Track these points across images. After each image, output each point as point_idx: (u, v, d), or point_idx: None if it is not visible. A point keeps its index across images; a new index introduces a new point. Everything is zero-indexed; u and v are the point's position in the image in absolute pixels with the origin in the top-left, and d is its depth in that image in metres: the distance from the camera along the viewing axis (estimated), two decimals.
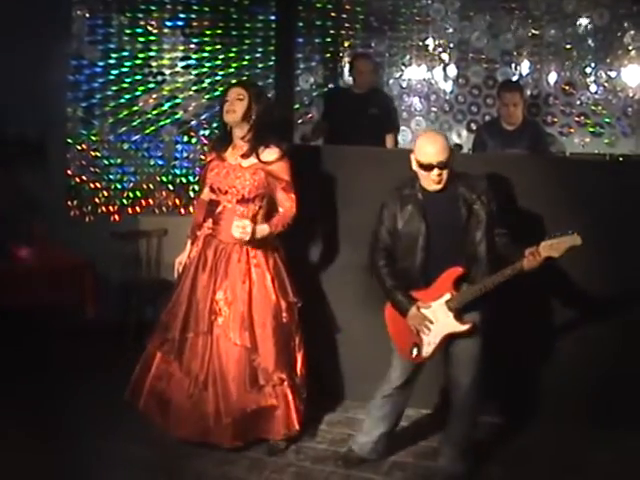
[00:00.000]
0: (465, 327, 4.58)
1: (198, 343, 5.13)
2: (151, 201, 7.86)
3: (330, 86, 8.53)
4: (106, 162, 7.89)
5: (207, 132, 7.86)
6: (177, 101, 7.90)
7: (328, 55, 8.59)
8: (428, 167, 4.46)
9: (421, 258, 4.58)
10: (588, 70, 8.14)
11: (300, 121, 8.20)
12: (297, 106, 7.96)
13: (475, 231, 4.54)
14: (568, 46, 8.15)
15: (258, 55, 7.97)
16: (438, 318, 4.60)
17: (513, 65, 8.21)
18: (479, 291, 4.49)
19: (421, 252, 4.57)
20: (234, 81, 5.89)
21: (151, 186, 7.87)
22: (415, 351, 4.70)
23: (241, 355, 5.07)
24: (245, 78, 5.38)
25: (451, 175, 4.54)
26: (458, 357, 4.68)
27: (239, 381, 5.05)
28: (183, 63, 7.92)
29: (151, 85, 7.87)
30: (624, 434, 5.37)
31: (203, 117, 7.81)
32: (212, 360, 5.08)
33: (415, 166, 4.55)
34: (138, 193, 7.86)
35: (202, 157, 7.47)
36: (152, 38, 7.87)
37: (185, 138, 7.92)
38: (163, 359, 5.23)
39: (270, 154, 5.12)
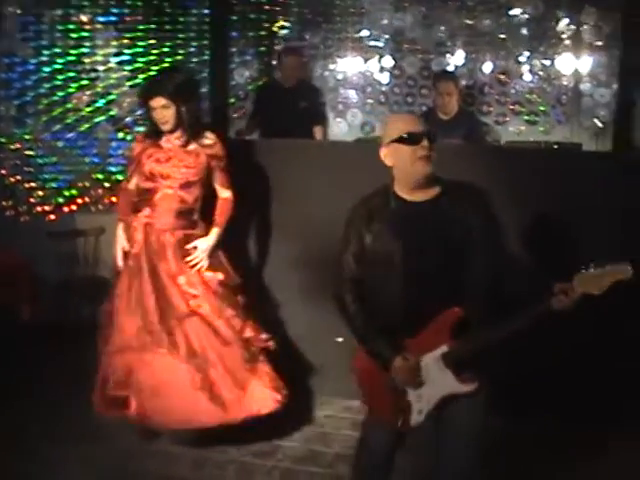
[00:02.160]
0: (468, 388, 3.43)
1: (186, 327, 5.07)
2: (87, 199, 7.75)
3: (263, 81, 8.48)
4: (40, 161, 7.77)
5: (142, 129, 7.76)
6: (111, 98, 7.81)
7: (263, 48, 8.54)
8: (414, 138, 3.43)
9: (401, 290, 3.45)
10: (522, 59, 8.19)
11: (236, 115, 8.14)
12: (232, 100, 7.91)
13: (471, 256, 3.42)
14: (502, 36, 8.19)
15: (192, 49, 7.91)
16: (432, 376, 3.48)
17: (448, 55, 8.23)
18: (487, 342, 3.36)
19: (400, 281, 3.44)
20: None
21: (87, 184, 7.74)
22: (400, 420, 3.59)
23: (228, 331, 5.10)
24: (159, 78, 5.19)
25: (435, 181, 3.55)
26: (454, 425, 3.52)
27: (235, 356, 5.07)
28: (117, 59, 7.83)
29: (85, 82, 7.76)
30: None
31: (138, 113, 7.69)
32: (209, 339, 5.06)
33: (389, 154, 3.54)
34: (74, 192, 7.74)
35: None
36: (85, 34, 7.76)
37: (120, 135, 7.82)
38: (135, 356, 5.08)
39: (208, 138, 5.16)
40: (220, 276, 5.22)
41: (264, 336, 5.21)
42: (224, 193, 5.27)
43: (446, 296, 3.40)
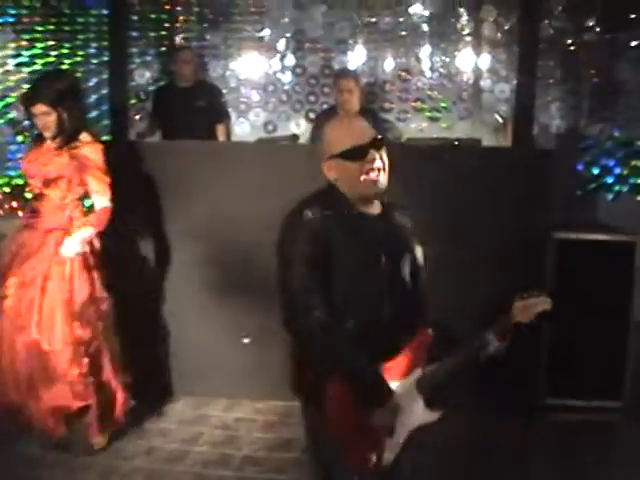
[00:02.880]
0: (436, 416, 3.20)
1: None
2: None
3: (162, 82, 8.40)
4: None
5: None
6: (9, 100, 7.66)
7: (164, 49, 8.46)
8: (360, 152, 3.07)
9: (375, 307, 3.12)
10: (423, 56, 8.26)
11: (137, 117, 8.05)
12: (133, 102, 7.82)
13: (418, 270, 3.30)
14: (403, 33, 8.24)
15: (92, 51, 7.81)
16: (404, 406, 3.15)
17: (349, 53, 8.26)
18: (457, 366, 3.16)
19: (373, 298, 3.12)
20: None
21: None
22: (374, 460, 3.12)
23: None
24: (40, 85, 5.06)
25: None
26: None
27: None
28: (15, 61, 7.68)
29: None
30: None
31: None
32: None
33: (333, 168, 3.17)
34: None
35: None
36: None
37: (19, 138, 7.67)
38: None
39: (82, 137, 5.05)
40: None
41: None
42: (99, 201, 5.03)
43: (413, 312, 3.21)
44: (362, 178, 3.08)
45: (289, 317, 3.17)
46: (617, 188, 7.33)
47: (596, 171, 7.29)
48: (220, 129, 7.64)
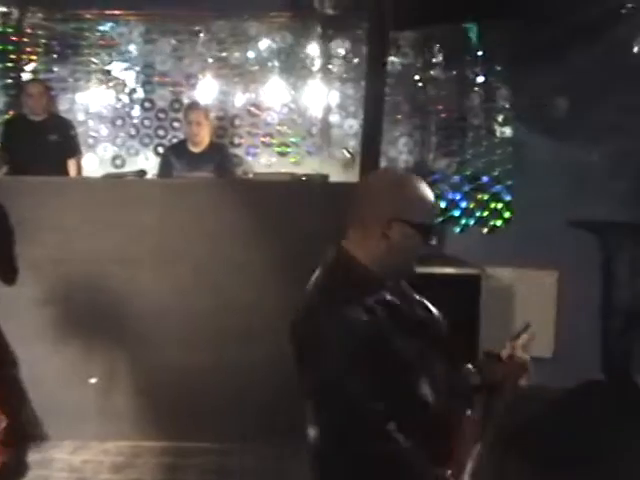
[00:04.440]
0: None
1: None
2: None
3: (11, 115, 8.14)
4: None
5: None
6: None
7: (10, 81, 8.21)
8: (431, 232, 2.64)
9: (428, 397, 2.57)
10: (273, 91, 8.25)
11: None
12: None
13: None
14: (253, 68, 8.22)
15: None
16: None
17: (199, 87, 8.18)
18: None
19: (426, 387, 2.58)
20: None
21: None
22: None
23: None
24: None
25: None
26: None
27: None
28: None
29: None
30: None
31: None
32: None
33: (397, 232, 2.57)
34: None
35: None
36: None
37: None
38: None
39: None
40: None
41: None
42: None
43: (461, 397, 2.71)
44: (415, 257, 2.67)
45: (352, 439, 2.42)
46: (464, 221, 7.47)
47: (443, 205, 7.40)
48: (72, 164, 7.46)
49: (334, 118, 8.17)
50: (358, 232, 2.61)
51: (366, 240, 2.59)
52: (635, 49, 6.91)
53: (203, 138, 6.92)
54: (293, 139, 8.20)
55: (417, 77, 7.90)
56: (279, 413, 5.33)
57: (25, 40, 8.23)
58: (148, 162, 8.07)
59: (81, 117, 8.22)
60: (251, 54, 8.23)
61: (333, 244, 2.66)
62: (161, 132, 8.23)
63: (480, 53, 7.62)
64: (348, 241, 2.65)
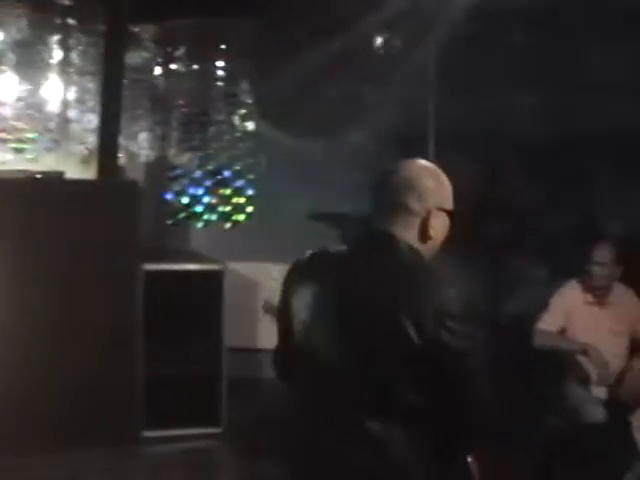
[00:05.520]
0: None
1: None
2: None
3: None
4: None
5: None
6: None
7: None
8: (454, 217, 2.87)
9: None
10: (7, 84, 7.91)
11: None
12: None
13: None
14: None
15: None
16: None
17: None
18: None
19: None
20: None
21: None
22: None
23: None
24: None
25: None
26: None
27: None
28: None
29: None
30: None
31: None
32: None
33: (440, 222, 2.79)
34: None
35: None
36: None
37: None
38: None
39: None
40: None
41: None
42: None
43: None
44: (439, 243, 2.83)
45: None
46: (207, 217, 7.44)
47: (186, 200, 7.35)
48: None
49: (73, 113, 7.94)
50: (400, 218, 2.74)
51: (410, 224, 2.75)
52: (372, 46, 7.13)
53: None
54: (30, 135, 7.89)
55: (158, 71, 7.80)
56: None
57: None
58: None
59: None
60: None
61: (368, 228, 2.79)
62: None
63: (223, 47, 7.62)
64: (389, 225, 2.76)
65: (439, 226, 2.76)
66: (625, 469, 4.06)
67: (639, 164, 6.18)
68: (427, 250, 2.77)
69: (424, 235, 2.75)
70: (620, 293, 5.09)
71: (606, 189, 6.29)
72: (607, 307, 5.07)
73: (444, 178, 2.82)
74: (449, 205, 2.80)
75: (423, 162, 2.84)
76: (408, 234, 2.74)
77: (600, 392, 4.89)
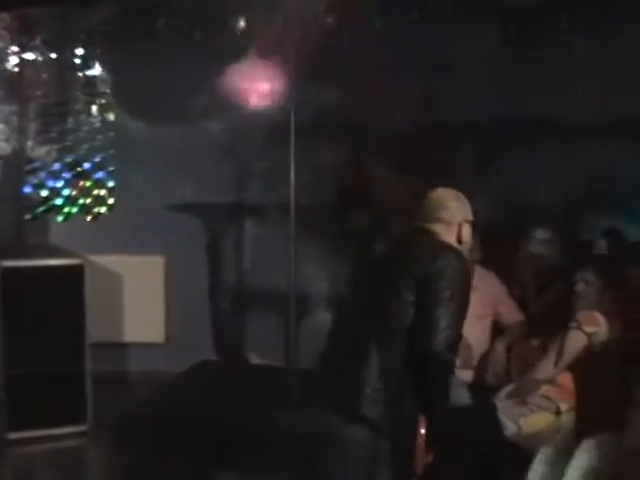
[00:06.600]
0: None
1: None
2: None
3: None
4: None
5: None
6: None
7: None
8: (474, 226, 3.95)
9: None
10: None
11: None
12: None
13: None
14: None
15: None
16: None
17: None
18: None
19: None
20: None
21: None
22: None
23: None
24: None
25: None
26: None
27: None
28: None
29: None
30: None
31: None
32: None
33: (468, 232, 3.85)
34: None
35: None
36: None
37: None
38: None
39: None
40: None
41: None
42: None
43: None
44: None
45: None
46: (67, 210, 7.24)
47: (45, 193, 7.14)
48: None
49: None
50: (442, 229, 3.73)
51: (448, 233, 3.74)
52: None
53: None
54: None
55: (14, 61, 7.55)
56: None
57: None
58: None
59: None
60: None
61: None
62: None
63: (81, 35, 7.42)
64: (435, 233, 3.71)
65: (467, 232, 3.78)
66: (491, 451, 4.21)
67: (501, 150, 6.35)
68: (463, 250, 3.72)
69: (459, 241, 3.74)
70: (481, 276, 5.17)
71: (468, 173, 6.39)
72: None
73: (463, 197, 3.84)
74: (471, 217, 3.80)
75: (451, 189, 3.88)
76: (450, 239, 3.70)
77: (465, 375, 4.97)
